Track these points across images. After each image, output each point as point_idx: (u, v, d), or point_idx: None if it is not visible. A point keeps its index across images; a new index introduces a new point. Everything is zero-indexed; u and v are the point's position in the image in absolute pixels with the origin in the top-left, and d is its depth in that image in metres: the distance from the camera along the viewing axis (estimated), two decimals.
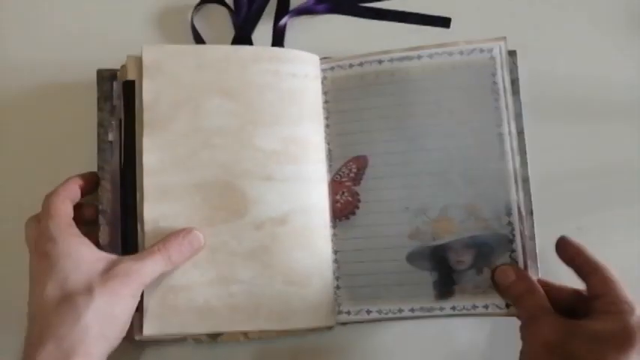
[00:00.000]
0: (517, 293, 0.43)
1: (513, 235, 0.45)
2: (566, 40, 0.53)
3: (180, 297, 0.43)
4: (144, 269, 0.40)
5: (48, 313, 0.39)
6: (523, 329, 0.42)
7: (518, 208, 0.46)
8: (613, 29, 0.53)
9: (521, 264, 0.45)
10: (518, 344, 0.41)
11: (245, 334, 0.45)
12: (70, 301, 0.38)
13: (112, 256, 0.41)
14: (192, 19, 0.52)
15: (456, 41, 0.48)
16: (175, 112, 0.45)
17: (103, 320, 0.39)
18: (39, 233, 0.41)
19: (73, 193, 0.44)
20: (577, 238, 0.48)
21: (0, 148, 0.49)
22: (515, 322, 0.43)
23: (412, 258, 0.46)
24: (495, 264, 0.45)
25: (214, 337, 0.45)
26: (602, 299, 0.40)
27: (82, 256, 0.40)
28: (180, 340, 0.45)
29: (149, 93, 0.45)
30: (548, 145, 0.50)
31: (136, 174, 0.45)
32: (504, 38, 0.47)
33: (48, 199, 0.43)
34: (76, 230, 0.42)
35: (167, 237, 0.43)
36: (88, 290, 0.39)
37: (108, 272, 0.40)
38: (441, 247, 0.46)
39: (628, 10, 0.54)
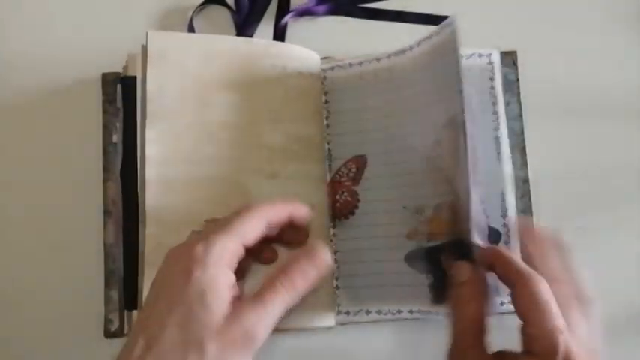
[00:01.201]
0: (460, 297, 0.37)
1: (508, 237, 0.45)
2: (566, 39, 0.52)
3: None
4: (265, 322, 0.34)
5: (166, 348, 0.32)
6: None
7: (513, 211, 0.46)
8: (613, 29, 0.53)
9: None
10: (516, 342, 0.41)
11: None
12: (197, 344, 0.32)
13: (238, 304, 0.34)
14: (191, 19, 0.52)
15: None
16: (180, 104, 0.44)
17: None
18: (204, 239, 0.35)
19: (277, 217, 0.38)
20: (577, 238, 0.48)
21: (6, 149, 0.50)
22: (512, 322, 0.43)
23: (409, 259, 0.45)
24: None
25: None
26: (527, 329, 0.34)
27: (223, 296, 0.34)
28: None
29: (153, 82, 0.44)
30: (548, 146, 0.50)
31: (136, 169, 0.44)
32: (498, 48, 0.48)
33: (244, 210, 0.37)
34: (232, 265, 0.35)
35: (287, 264, 0.36)
36: (220, 336, 0.32)
37: (229, 328, 0.33)
38: (435, 249, 0.45)
39: (628, 10, 0.53)
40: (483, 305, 0.36)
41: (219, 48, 0.45)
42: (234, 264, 0.36)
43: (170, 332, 0.33)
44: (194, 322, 0.33)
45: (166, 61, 0.44)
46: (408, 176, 0.47)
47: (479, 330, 0.35)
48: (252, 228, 0.36)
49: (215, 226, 0.36)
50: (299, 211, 0.40)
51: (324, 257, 0.37)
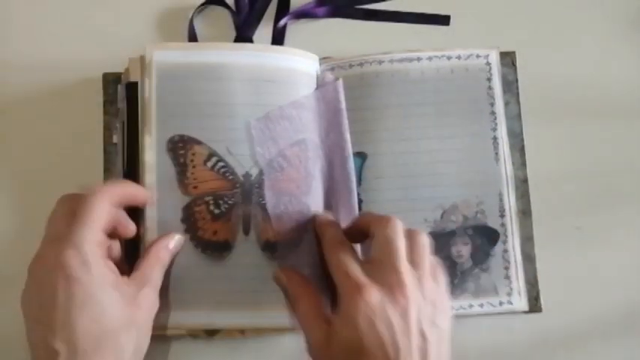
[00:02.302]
0: (292, 297, 0.42)
1: (506, 237, 0.46)
2: (566, 39, 0.52)
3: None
4: (154, 287, 0.40)
5: (86, 350, 0.36)
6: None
7: (511, 210, 0.47)
8: (613, 29, 0.53)
9: (512, 264, 0.46)
10: (515, 342, 0.42)
11: (242, 331, 0.45)
12: (113, 339, 0.37)
13: (126, 281, 0.39)
14: (191, 19, 0.52)
15: (453, 48, 0.49)
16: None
17: (137, 354, 0.39)
18: (67, 241, 0.37)
19: (119, 197, 0.41)
20: (577, 238, 0.49)
21: (6, 149, 0.50)
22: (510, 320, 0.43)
23: None
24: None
25: (212, 333, 0.45)
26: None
27: (114, 287, 0.38)
28: (177, 335, 0.45)
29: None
30: (548, 146, 0.50)
31: (138, 173, 0.45)
32: (497, 47, 0.49)
33: (86, 199, 0.39)
34: (104, 252, 0.39)
35: (152, 243, 0.42)
36: (128, 326, 0.38)
37: (135, 303, 0.39)
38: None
39: (628, 9, 0.53)
40: (312, 296, 0.41)
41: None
42: (102, 246, 0.39)
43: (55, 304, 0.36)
44: (76, 287, 0.36)
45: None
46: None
47: (316, 311, 0.40)
48: (99, 212, 0.39)
49: (67, 220, 0.39)
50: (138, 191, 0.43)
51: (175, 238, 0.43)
